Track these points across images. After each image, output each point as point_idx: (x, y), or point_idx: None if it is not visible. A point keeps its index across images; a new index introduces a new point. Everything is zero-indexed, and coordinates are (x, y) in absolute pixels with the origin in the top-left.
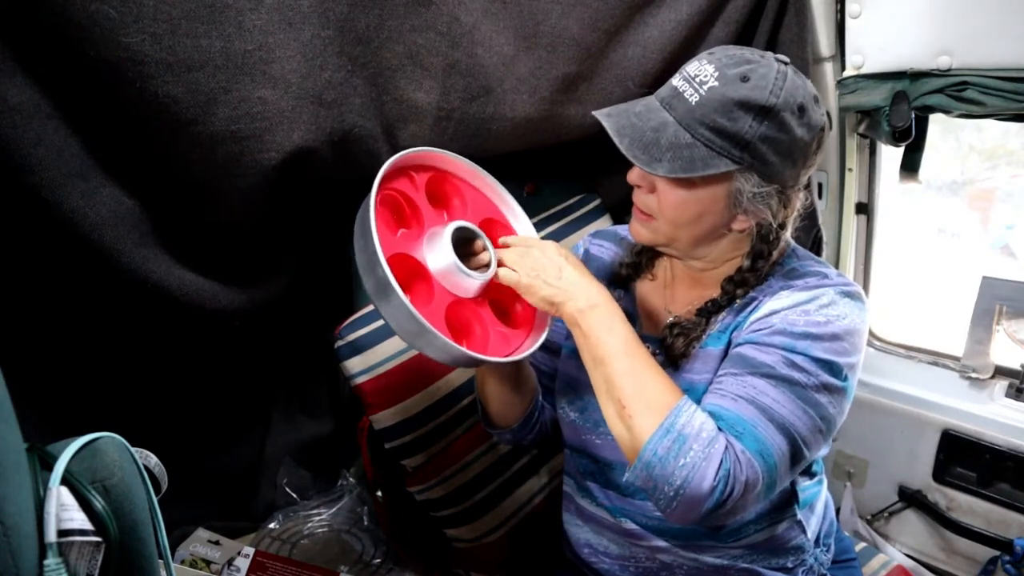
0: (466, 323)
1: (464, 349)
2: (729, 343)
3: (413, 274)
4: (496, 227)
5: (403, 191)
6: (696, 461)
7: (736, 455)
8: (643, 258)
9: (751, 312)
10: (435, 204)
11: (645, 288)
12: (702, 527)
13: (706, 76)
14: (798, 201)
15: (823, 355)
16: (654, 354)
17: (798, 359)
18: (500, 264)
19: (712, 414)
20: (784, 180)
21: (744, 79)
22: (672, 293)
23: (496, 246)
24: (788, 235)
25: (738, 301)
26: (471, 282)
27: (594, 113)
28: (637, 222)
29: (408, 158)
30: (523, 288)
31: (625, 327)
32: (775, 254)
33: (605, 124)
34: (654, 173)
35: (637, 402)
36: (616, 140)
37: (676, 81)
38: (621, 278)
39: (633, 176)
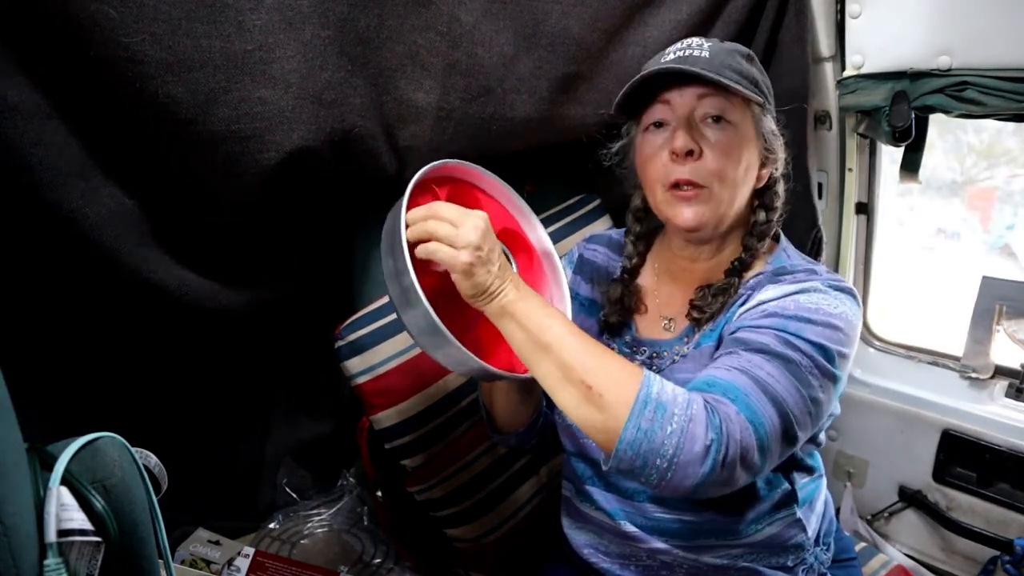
0: (497, 336)
1: (483, 363)
2: (720, 339)
3: (443, 291)
4: (513, 237)
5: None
6: (682, 424)
7: (728, 414)
8: (627, 301)
9: (740, 306)
10: None
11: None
12: (695, 497)
13: (700, 42)
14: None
15: (816, 338)
16: (665, 330)
17: (792, 339)
18: (425, 239)
19: (705, 382)
20: (779, 124)
21: (722, 40)
22: (660, 295)
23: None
24: (783, 191)
25: (743, 284)
26: None
27: (652, 71)
28: (688, 205)
29: (432, 171)
30: (461, 269)
31: (559, 311)
32: (780, 208)
33: (662, 66)
34: (730, 84)
35: (603, 378)
36: (684, 67)
37: (677, 52)
38: (613, 327)
39: (680, 143)
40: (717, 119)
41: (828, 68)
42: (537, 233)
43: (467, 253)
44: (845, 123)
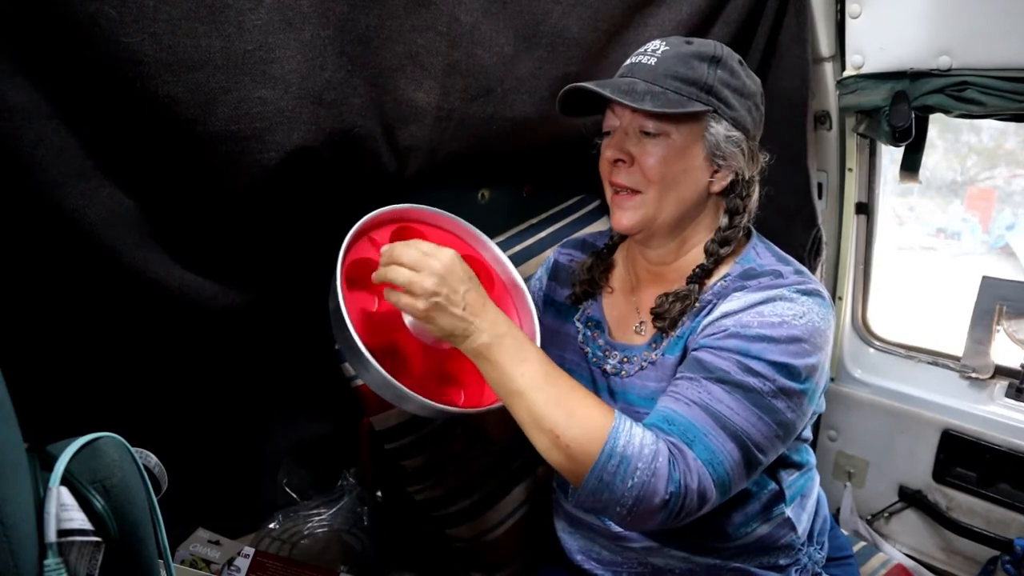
0: (461, 371)
1: (436, 404)
2: (685, 350)
3: (398, 336)
4: (469, 263)
5: (367, 257)
6: (644, 479)
7: (687, 463)
8: (595, 272)
9: (705, 315)
10: None
11: (609, 298)
12: (660, 530)
13: (656, 47)
14: (762, 160)
15: (780, 358)
16: (637, 333)
17: (753, 364)
18: (384, 286)
19: (666, 419)
20: (747, 127)
21: (688, 43)
22: (639, 297)
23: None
24: (756, 193)
25: (703, 295)
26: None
27: (567, 88)
28: (622, 207)
29: (364, 224)
30: (421, 316)
31: (536, 352)
32: (748, 212)
33: (584, 86)
34: (640, 107)
35: (571, 430)
36: (598, 89)
37: (629, 60)
38: (578, 297)
39: (608, 153)
40: (649, 133)
41: (828, 68)
42: (493, 253)
43: (423, 301)
44: (845, 123)
